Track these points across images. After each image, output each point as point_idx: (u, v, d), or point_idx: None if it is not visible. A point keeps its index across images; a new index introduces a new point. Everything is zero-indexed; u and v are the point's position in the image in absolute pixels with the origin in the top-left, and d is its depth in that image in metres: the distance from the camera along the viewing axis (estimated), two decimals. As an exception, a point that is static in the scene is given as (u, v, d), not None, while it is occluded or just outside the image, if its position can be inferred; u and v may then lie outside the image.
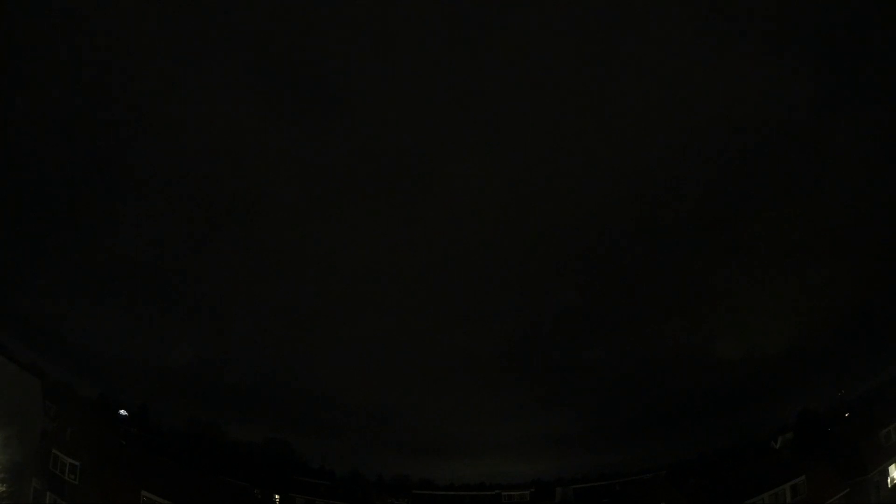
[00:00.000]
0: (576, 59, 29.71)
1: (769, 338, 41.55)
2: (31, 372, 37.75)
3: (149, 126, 33.42)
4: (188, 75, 32.02)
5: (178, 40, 31.03)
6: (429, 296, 41.19)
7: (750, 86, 31.58)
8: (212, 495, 39.15)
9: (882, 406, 38.86)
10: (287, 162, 34.38)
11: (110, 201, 36.78)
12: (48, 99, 32.47)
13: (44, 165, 34.68)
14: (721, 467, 40.36)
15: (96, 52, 31.51)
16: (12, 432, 34.90)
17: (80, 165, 34.72)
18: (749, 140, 33.66)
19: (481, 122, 31.48)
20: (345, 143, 33.10)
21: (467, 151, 32.79)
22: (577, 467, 43.91)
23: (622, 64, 30.15)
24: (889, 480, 37.31)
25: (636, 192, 34.29)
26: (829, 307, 40.67)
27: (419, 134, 32.25)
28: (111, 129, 33.33)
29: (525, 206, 35.10)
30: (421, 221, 35.67)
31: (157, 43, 31.15)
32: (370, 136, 32.48)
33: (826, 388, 41.10)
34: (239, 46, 31.18)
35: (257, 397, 42.78)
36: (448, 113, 31.38)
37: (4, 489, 34.80)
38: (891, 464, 37.40)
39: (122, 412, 39.40)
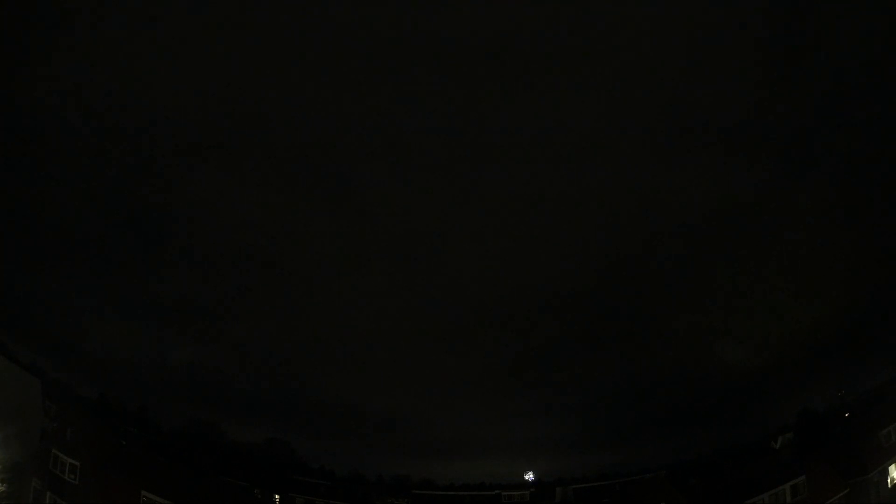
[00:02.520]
0: (560, 163, 36.25)
1: (769, 338, 41.63)
2: (31, 372, 37.76)
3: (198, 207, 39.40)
4: (236, 175, 38.42)
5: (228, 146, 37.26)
6: (433, 305, 42.40)
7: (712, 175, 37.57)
8: (212, 495, 39.19)
9: (882, 406, 38.87)
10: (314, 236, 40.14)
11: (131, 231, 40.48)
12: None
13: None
14: (721, 467, 40.35)
15: (149, 147, 37.22)
16: (12, 432, 34.90)
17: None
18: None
19: (479, 202, 37.91)
20: (365, 225, 39.47)
21: (470, 223, 38.82)
22: (577, 467, 43.98)
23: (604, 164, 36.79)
24: (889, 480, 37.33)
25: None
26: (830, 307, 40.74)
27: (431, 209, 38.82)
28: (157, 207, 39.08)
29: (521, 254, 39.80)
30: (428, 261, 40.46)
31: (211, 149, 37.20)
32: (385, 216, 39.03)
33: (826, 388, 41.17)
34: (283, 153, 37.56)
35: (257, 397, 42.89)
36: (453, 192, 37.91)
37: (4, 489, 34.83)
38: (891, 464, 37.42)
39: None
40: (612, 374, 43.00)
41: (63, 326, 40.75)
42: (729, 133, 35.87)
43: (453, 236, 38.82)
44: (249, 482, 41.61)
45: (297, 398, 43.10)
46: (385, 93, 34.90)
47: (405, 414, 43.15)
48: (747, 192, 39.27)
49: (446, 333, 42.32)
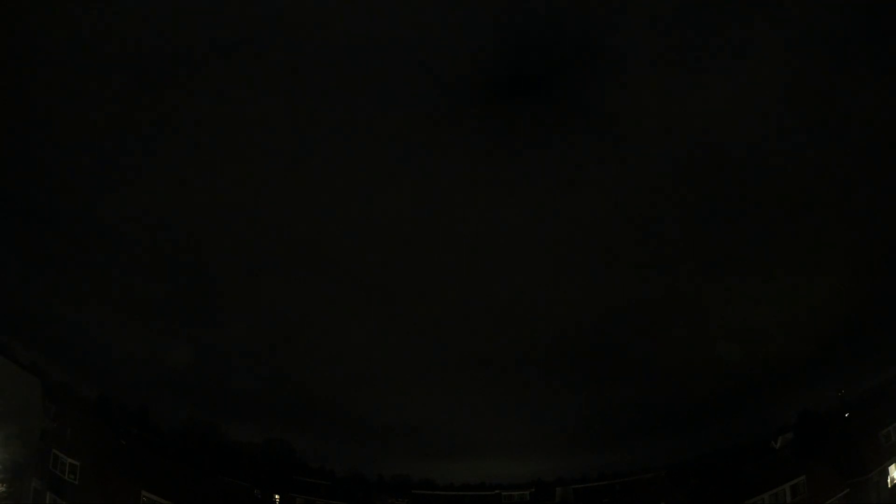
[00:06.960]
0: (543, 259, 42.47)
1: (769, 338, 41.62)
2: (31, 372, 37.75)
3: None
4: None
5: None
6: (436, 305, 42.89)
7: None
8: (212, 495, 39.20)
9: (882, 406, 38.85)
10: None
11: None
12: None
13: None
14: (721, 467, 40.35)
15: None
16: (12, 432, 34.92)
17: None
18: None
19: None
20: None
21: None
22: (577, 467, 43.94)
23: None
24: (889, 480, 37.34)
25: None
26: (830, 307, 40.71)
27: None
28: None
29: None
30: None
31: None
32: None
33: (826, 388, 41.14)
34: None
35: (257, 397, 42.88)
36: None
37: (4, 489, 34.85)
38: (891, 464, 37.43)
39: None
40: (611, 374, 43.09)
41: (63, 326, 40.76)
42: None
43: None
44: (249, 482, 41.62)
45: (297, 398, 43.14)
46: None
47: (406, 414, 43.17)
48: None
49: (448, 337, 42.61)
